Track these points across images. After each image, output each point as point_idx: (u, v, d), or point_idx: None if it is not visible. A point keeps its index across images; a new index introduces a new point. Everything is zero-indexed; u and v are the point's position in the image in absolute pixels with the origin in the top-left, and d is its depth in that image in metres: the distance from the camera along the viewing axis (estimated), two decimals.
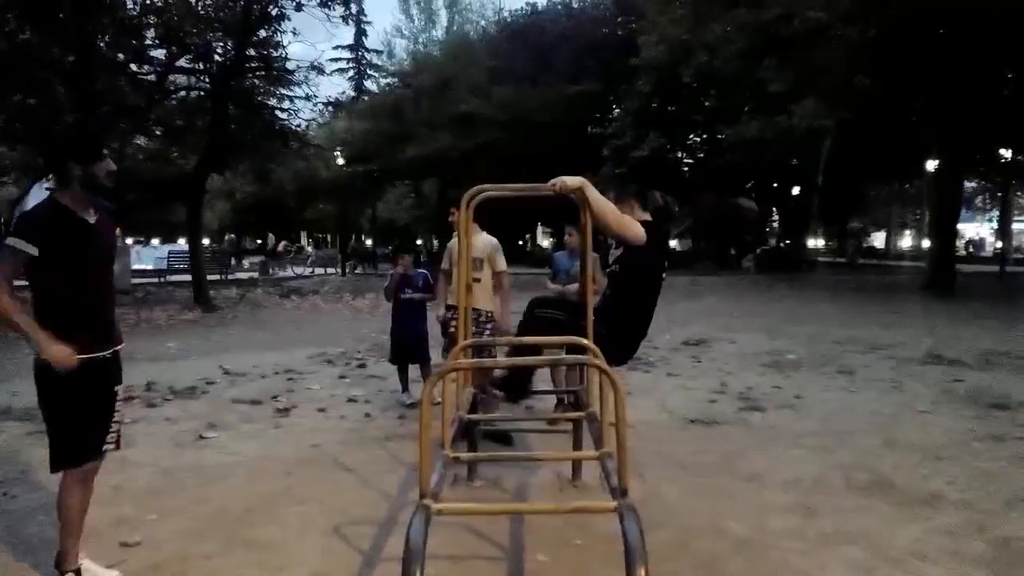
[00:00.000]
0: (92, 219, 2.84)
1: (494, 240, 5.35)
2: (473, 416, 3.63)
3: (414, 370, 6.47)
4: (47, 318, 2.73)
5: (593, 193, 3.27)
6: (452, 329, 5.02)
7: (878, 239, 54.50)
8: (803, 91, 18.54)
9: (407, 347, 6.32)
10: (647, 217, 3.63)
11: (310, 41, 34.49)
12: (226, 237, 39.50)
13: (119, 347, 3.00)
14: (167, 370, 7.96)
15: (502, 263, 5.31)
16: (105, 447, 2.94)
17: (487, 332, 5.21)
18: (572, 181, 3.23)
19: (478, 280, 5.22)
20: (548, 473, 4.35)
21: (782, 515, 3.71)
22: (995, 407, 5.99)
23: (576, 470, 4.24)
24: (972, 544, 3.35)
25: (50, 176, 2.85)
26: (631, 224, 3.39)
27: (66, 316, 2.76)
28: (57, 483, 2.88)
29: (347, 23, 17.67)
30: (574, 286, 5.39)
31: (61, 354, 2.67)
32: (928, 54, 16.55)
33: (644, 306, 3.64)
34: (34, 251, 2.67)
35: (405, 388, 6.42)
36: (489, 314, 5.28)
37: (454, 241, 4.85)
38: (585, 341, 3.25)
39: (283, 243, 41.08)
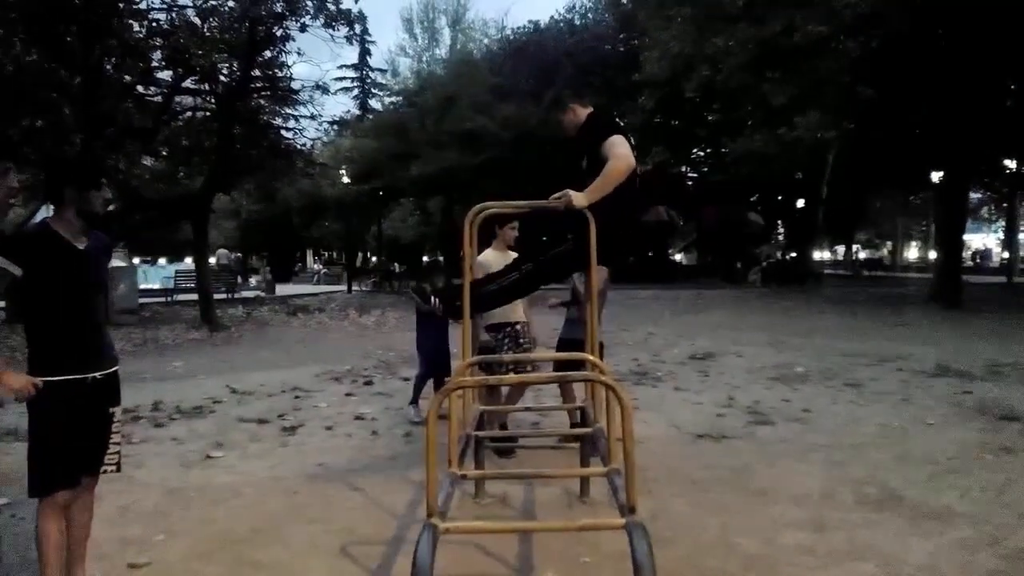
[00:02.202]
0: (82, 246, 2.80)
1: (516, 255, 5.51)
2: (480, 433, 3.62)
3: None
4: (35, 340, 2.75)
5: (591, 195, 3.29)
6: (505, 350, 5.13)
7: (871, 250, 54.33)
8: (806, 103, 18.58)
9: (439, 362, 6.38)
10: (590, 109, 3.86)
11: (315, 61, 34.91)
12: (233, 255, 39.39)
13: (113, 369, 2.93)
14: (174, 389, 7.97)
15: None
16: (104, 468, 2.92)
17: (522, 342, 5.30)
18: (578, 200, 3.24)
19: None
20: (556, 489, 4.33)
21: (792, 531, 3.68)
22: (1005, 418, 5.94)
23: (584, 486, 4.23)
24: (986, 558, 3.32)
25: None
26: (617, 169, 3.37)
27: (53, 339, 2.75)
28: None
29: (351, 43, 17.83)
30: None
31: (17, 383, 2.59)
32: (931, 65, 16.57)
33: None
34: (17, 271, 2.65)
35: (415, 400, 6.40)
36: (526, 326, 5.40)
37: (483, 256, 4.91)
38: (590, 357, 3.25)
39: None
